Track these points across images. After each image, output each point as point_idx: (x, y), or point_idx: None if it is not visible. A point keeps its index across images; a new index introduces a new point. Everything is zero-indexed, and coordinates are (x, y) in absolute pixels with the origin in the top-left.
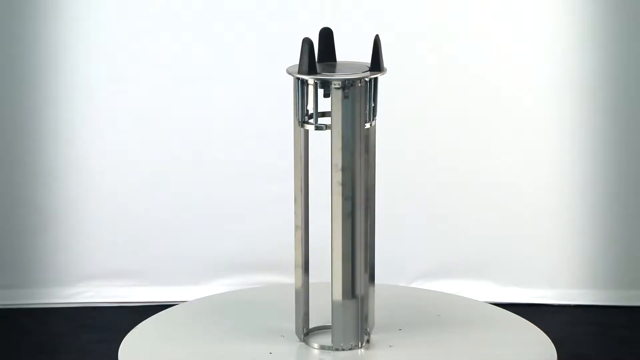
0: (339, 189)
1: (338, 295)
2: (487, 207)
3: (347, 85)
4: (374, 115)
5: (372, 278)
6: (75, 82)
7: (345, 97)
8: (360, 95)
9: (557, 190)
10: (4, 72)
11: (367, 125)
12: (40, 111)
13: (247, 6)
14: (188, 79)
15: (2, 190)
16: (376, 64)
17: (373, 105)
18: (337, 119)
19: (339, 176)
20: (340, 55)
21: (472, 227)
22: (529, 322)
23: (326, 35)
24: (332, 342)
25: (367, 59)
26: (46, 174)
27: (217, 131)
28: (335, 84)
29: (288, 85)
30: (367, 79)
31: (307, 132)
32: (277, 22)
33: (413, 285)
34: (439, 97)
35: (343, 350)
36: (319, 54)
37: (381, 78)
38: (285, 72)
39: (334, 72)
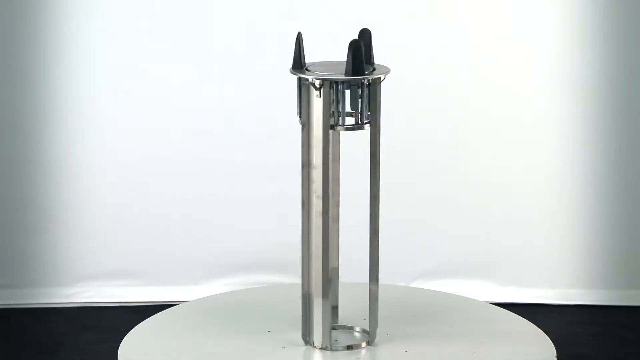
0: (311, 187)
1: (307, 292)
2: (488, 207)
3: (319, 85)
4: (365, 119)
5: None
6: (76, 82)
7: (318, 96)
8: (330, 96)
9: (557, 190)
10: (4, 72)
11: (367, 127)
12: (41, 111)
13: (249, 5)
14: (188, 79)
15: (2, 190)
16: (348, 68)
17: (361, 109)
18: (309, 117)
19: (311, 173)
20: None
21: (472, 227)
22: (529, 322)
23: (363, 36)
24: (301, 336)
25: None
26: (46, 174)
27: (217, 131)
28: (305, 81)
29: (289, 84)
30: (338, 81)
31: None
32: (279, 21)
33: (413, 285)
34: (439, 97)
35: (315, 347)
36: None
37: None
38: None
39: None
